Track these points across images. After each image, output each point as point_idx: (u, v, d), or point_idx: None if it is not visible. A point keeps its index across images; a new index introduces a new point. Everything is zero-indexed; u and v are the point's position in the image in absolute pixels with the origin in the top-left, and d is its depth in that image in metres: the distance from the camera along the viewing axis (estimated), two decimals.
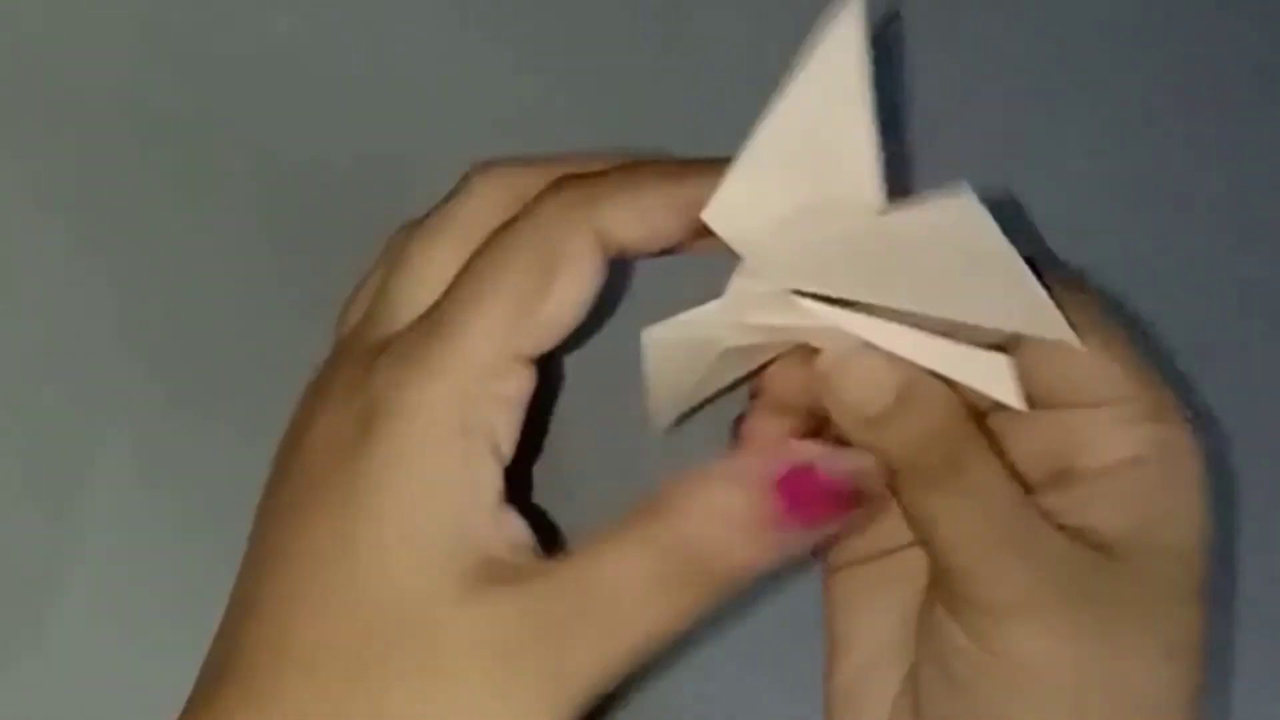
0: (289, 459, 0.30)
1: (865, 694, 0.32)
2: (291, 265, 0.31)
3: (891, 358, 0.29)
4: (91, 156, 0.35)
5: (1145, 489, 0.30)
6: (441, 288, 0.30)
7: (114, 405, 0.34)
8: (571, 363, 0.36)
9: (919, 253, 0.27)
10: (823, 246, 0.28)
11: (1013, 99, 0.41)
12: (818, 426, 0.32)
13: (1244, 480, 0.40)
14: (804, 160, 0.28)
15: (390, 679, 0.27)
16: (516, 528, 0.29)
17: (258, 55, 0.36)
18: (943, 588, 0.30)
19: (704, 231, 0.28)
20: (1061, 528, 0.29)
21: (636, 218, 0.29)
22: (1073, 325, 0.28)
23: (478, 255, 0.30)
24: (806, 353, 0.30)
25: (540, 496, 0.35)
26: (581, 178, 0.30)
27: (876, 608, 0.33)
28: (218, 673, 0.29)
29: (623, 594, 0.27)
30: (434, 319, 0.29)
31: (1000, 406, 0.30)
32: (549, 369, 0.31)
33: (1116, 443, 0.30)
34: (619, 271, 0.31)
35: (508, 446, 0.29)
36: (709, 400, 0.33)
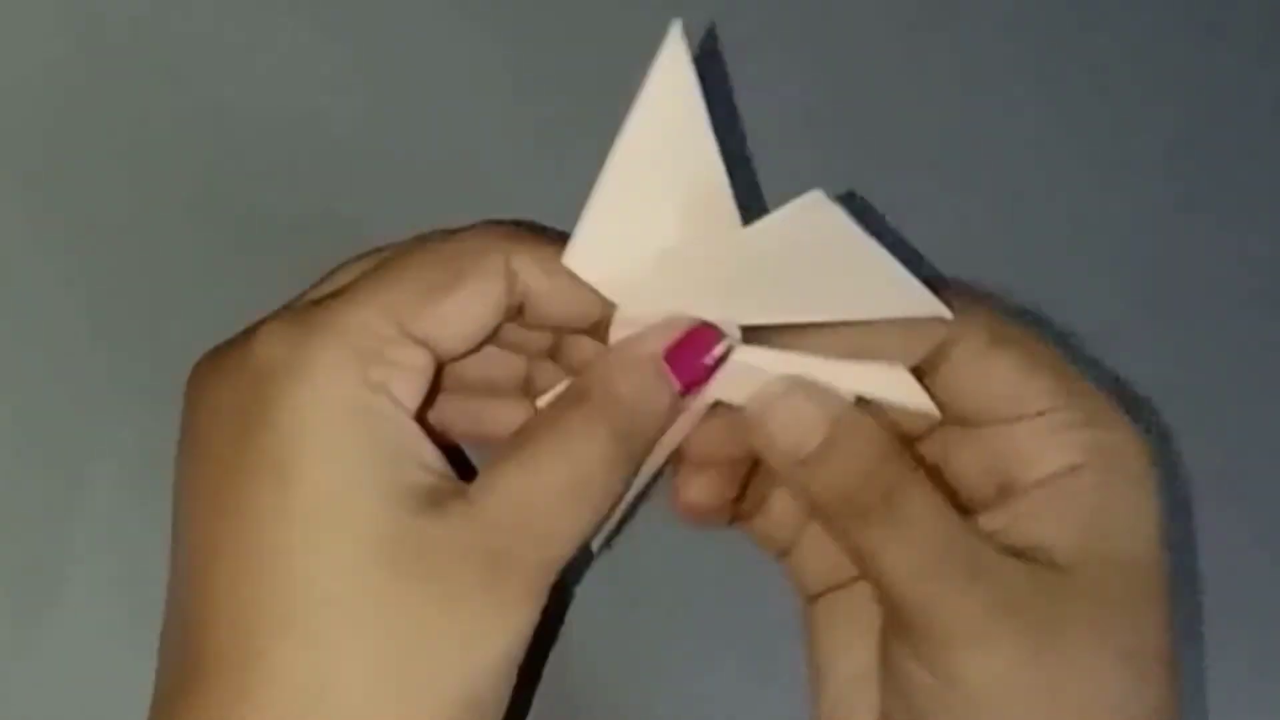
0: (192, 439, 0.29)
1: None
2: (290, 267, 0.31)
3: (815, 395, 0.29)
4: (85, 164, 0.36)
5: (1085, 496, 0.29)
6: None
7: (113, 405, 0.35)
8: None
9: (784, 261, 0.28)
10: (688, 271, 0.29)
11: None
12: (746, 476, 0.32)
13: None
14: (654, 191, 0.28)
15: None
16: (435, 453, 0.29)
17: (247, 61, 0.37)
18: (893, 620, 0.29)
19: None
20: (1007, 547, 0.29)
21: (541, 270, 0.29)
22: (995, 340, 0.28)
23: (395, 252, 0.30)
24: (719, 407, 0.30)
25: None
26: (507, 224, 0.30)
27: (852, 636, 0.32)
28: (181, 670, 0.28)
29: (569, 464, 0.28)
30: (337, 294, 0.29)
31: (932, 428, 0.30)
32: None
33: (1052, 453, 0.30)
34: None
35: (410, 403, 0.29)
36: (632, 510, 0.33)
